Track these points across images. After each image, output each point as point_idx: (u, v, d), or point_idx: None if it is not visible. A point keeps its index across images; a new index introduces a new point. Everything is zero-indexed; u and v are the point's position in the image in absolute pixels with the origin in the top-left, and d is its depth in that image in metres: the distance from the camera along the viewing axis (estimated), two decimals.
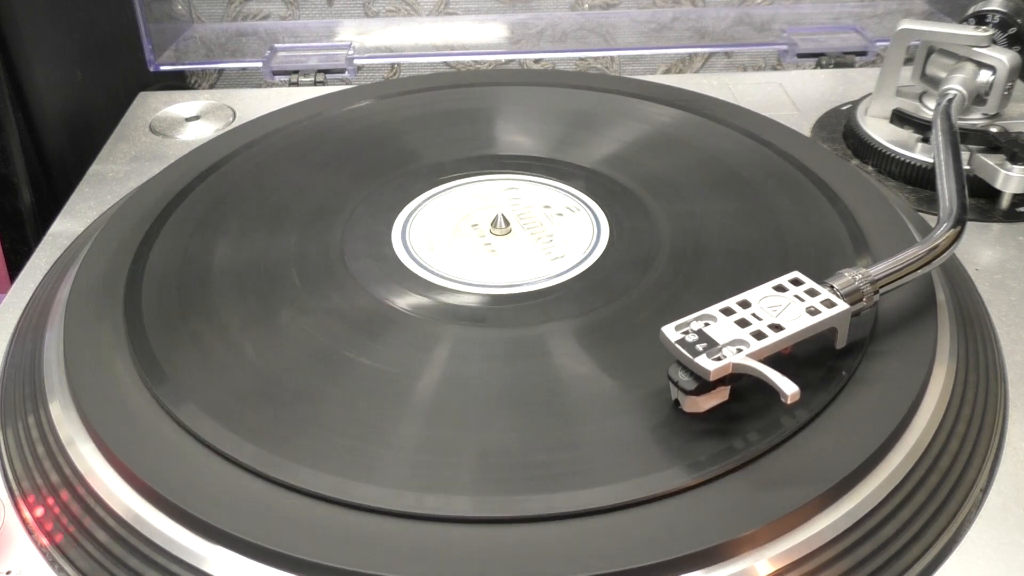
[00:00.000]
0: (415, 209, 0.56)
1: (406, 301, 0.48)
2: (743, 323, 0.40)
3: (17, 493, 0.41)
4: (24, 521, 0.40)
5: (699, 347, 0.38)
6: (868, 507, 0.37)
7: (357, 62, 0.82)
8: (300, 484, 0.37)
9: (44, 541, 0.39)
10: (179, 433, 0.40)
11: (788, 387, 0.36)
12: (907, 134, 0.63)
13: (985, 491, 0.40)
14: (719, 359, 0.38)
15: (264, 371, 0.43)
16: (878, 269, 0.43)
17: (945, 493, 0.39)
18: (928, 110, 0.64)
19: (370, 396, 0.42)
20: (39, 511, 0.40)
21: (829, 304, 0.41)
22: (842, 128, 0.68)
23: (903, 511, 0.38)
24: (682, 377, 0.38)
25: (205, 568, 0.36)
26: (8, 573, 0.38)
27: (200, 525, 0.36)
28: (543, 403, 0.41)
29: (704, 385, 0.38)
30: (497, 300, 0.48)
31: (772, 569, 0.35)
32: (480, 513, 0.36)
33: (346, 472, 0.38)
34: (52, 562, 0.38)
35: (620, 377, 0.43)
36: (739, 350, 0.38)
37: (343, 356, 0.44)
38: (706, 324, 0.40)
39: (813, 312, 0.41)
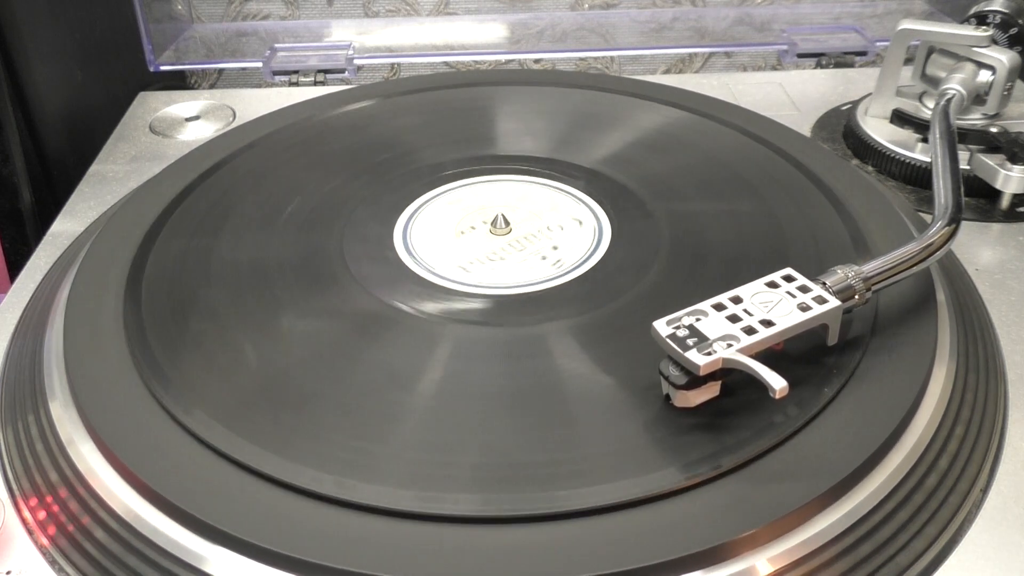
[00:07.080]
0: (416, 210, 0.56)
1: (407, 301, 0.48)
2: (734, 319, 0.40)
3: (17, 493, 0.41)
4: (24, 521, 0.40)
5: (690, 342, 0.38)
6: (868, 507, 0.37)
7: (357, 62, 0.82)
8: (300, 484, 0.37)
9: (44, 541, 0.39)
10: (179, 433, 0.40)
11: (776, 382, 0.36)
12: (907, 134, 0.63)
13: (985, 491, 0.40)
14: (709, 354, 0.38)
15: (264, 371, 0.43)
16: (871, 266, 0.43)
17: (945, 493, 0.39)
18: (928, 110, 0.64)
19: (370, 396, 0.42)
20: (39, 511, 0.40)
21: (821, 300, 0.41)
22: (842, 128, 0.68)
23: (903, 511, 0.38)
24: (673, 372, 0.39)
25: (205, 568, 0.36)
26: (8, 573, 0.38)
27: (200, 525, 0.36)
28: (543, 403, 0.41)
29: (694, 380, 0.38)
30: (498, 300, 0.48)
31: (772, 569, 0.35)
32: (480, 513, 0.36)
33: (346, 472, 0.38)
34: (52, 562, 0.38)
35: (620, 377, 0.43)
36: (729, 345, 0.38)
37: (344, 356, 0.44)
38: (697, 319, 0.40)
39: (804, 308, 0.41)
